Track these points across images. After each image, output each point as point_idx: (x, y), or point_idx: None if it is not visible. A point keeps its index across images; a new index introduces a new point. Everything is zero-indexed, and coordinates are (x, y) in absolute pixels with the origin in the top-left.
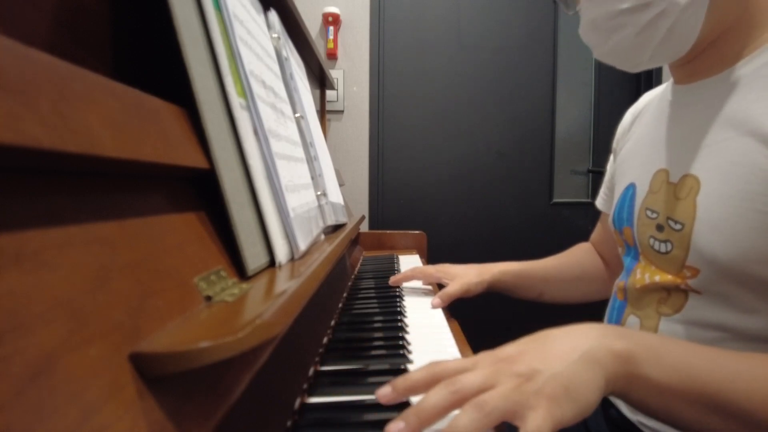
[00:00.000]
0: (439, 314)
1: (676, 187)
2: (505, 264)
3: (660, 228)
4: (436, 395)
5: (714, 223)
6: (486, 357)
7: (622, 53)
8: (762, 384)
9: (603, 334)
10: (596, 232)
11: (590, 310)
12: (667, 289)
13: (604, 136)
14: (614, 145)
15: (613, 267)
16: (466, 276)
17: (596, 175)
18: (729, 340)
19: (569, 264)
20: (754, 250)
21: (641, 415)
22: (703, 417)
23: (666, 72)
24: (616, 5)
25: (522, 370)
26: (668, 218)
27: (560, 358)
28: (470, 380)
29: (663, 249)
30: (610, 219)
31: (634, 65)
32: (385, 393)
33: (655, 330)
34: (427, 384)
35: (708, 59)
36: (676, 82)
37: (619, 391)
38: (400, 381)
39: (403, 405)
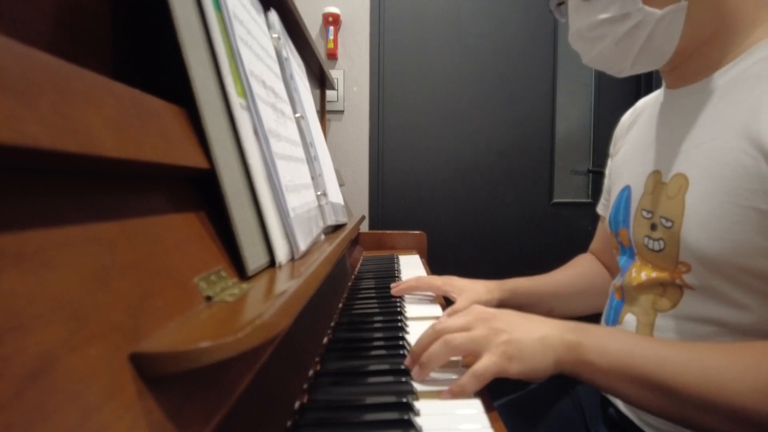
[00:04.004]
0: (440, 314)
1: (667, 186)
2: (513, 281)
3: (654, 227)
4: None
5: (701, 219)
6: (477, 314)
7: (605, 61)
8: (685, 367)
9: (560, 327)
10: (597, 240)
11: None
12: (663, 285)
13: (604, 136)
14: (611, 150)
15: (616, 273)
16: (474, 291)
17: (596, 175)
18: (723, 335)
19: (574, 276)
20: (739, 244)
21: (640, 411)
22: (639, 393)
23: None
24: (596, 16)
25: (494, 326)
26: (661, 216)
27: (525, 332)
28: (457, 330)
29: (657, 247)
30: (606, 222)
31: (618, 71)
32: (408, 363)
33: (652, 326)
34: (432, 342)
35: (694, 65)
36: (668, 86)
37: (569, 371)
38: (415, 348)
39: (403, 404)
